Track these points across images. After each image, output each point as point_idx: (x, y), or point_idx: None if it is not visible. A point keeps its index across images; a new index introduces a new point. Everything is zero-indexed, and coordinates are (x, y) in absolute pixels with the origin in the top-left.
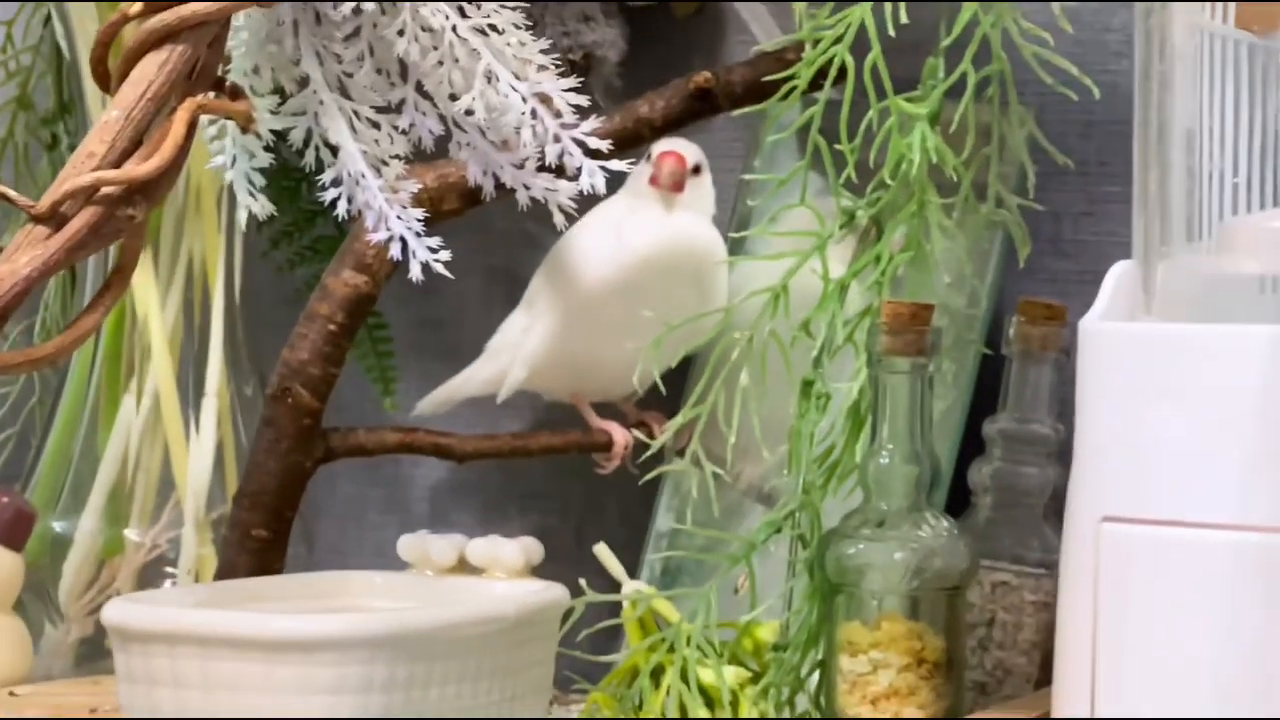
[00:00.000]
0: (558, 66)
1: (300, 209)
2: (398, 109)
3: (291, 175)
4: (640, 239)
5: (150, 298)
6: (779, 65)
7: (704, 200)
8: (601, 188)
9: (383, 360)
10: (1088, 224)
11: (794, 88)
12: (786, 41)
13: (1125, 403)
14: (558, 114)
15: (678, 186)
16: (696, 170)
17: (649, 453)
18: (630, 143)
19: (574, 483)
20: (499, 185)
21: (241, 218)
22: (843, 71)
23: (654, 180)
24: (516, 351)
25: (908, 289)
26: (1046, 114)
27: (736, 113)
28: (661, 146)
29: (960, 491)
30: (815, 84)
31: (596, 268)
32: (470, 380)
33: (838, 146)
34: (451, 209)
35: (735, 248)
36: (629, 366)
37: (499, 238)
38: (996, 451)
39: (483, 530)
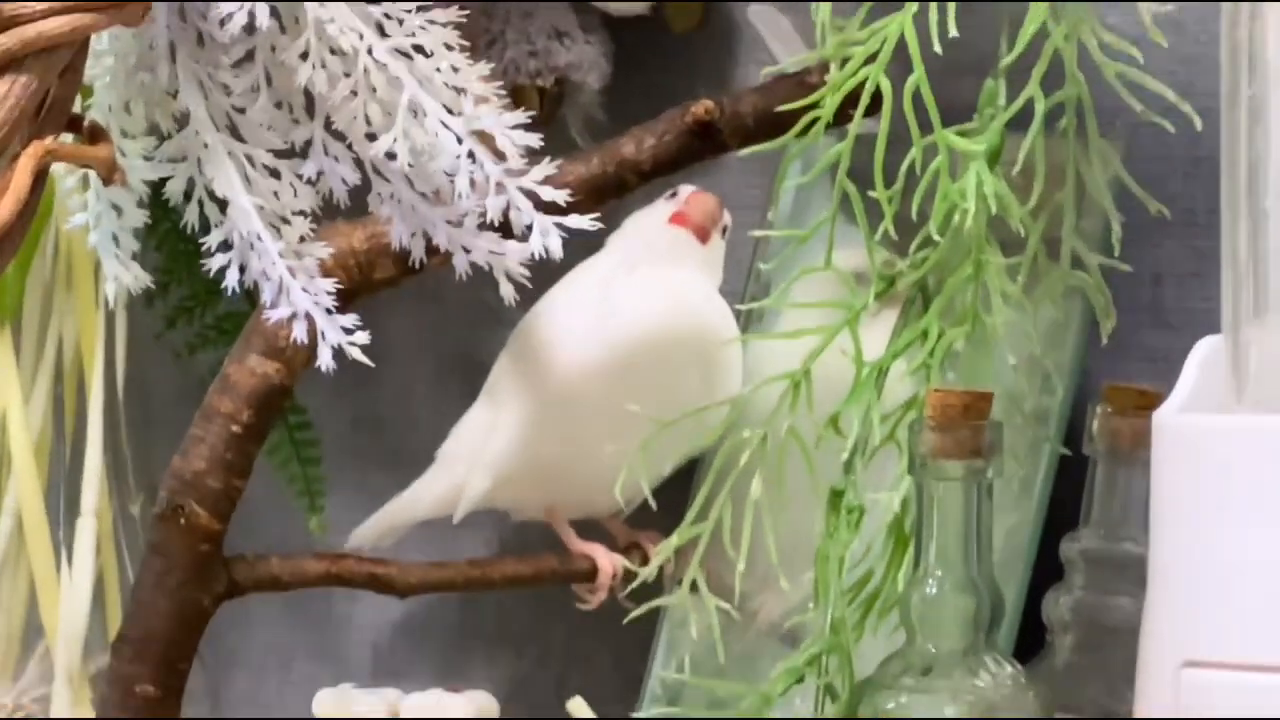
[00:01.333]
0: (502, 97)
1: (202, 279)
2: (303, 153)
3: (192, 237)
4: (634, 307)
5: (10, 392)
6: (799, 91)
7: (715, 269)
8: (557, 250)
9: (307, 469)
10: (1195, 288)
11: (817, 119)
12: (808, 60)
13: (1210, 516)
14: (501, 157)
15: (705, 231)
16: (723, 231)
17: (638, 581)
18: (611, 191)
19: (554, 622)
20: (432, 248)
21: (110, 292)
22: (877, 98)
23: (680, 218)
24: (476, 457)
25: (962, 373)
26: (1138, 150)
27: (746, 152)
28: (691, 188)
29: (1032, 629)
30: (844, 114)
31: (576, 346)
32: (419, 499)
33: (872, 194)
34: (385, 277)
35: (747, 323)
36: (616, 475)
37: (453, 312)
38: (1078, 578)
39: (439, 683)
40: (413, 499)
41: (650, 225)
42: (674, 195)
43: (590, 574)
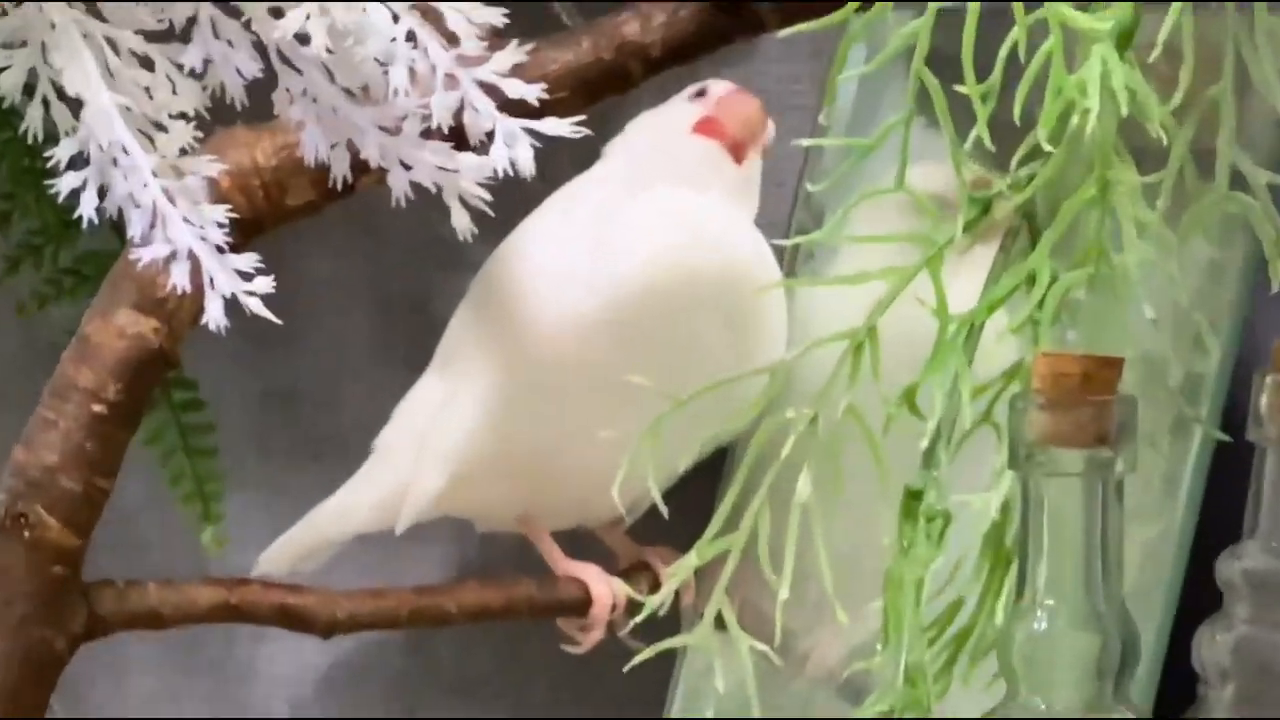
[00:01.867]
0: None
1: (53, 207)
2: (184, 36)
3: (40, 150)
4: (642, 243)
5: None
6: None
7: (750, 197)
8: (528, 165)
9: (198, 464)
10: None
11: None
12: None
13: None
14: (452, 39)
15: (742, 147)
16: (762, 148)
17: (645, 613)
18: (607, 85)
19: (533, 670)
20: (361, 163)
21: None
22: None
23: (709, 126)
24: (427, 447)
25: (1083, 332)
26: None
27: (788, 31)
28: (725, 85)
29: (1179, 677)
30: None
31: (561, 296)
32: (351, 506)
33: (960, 88)
34: (300, 202)
35: (792, 265)
36: (614, 470)
37: (394, 250)
38: (1241, 608)
39: None
40: (341, 507)
41: (667, 132)
42: (701, 94)
43: (582, 604)
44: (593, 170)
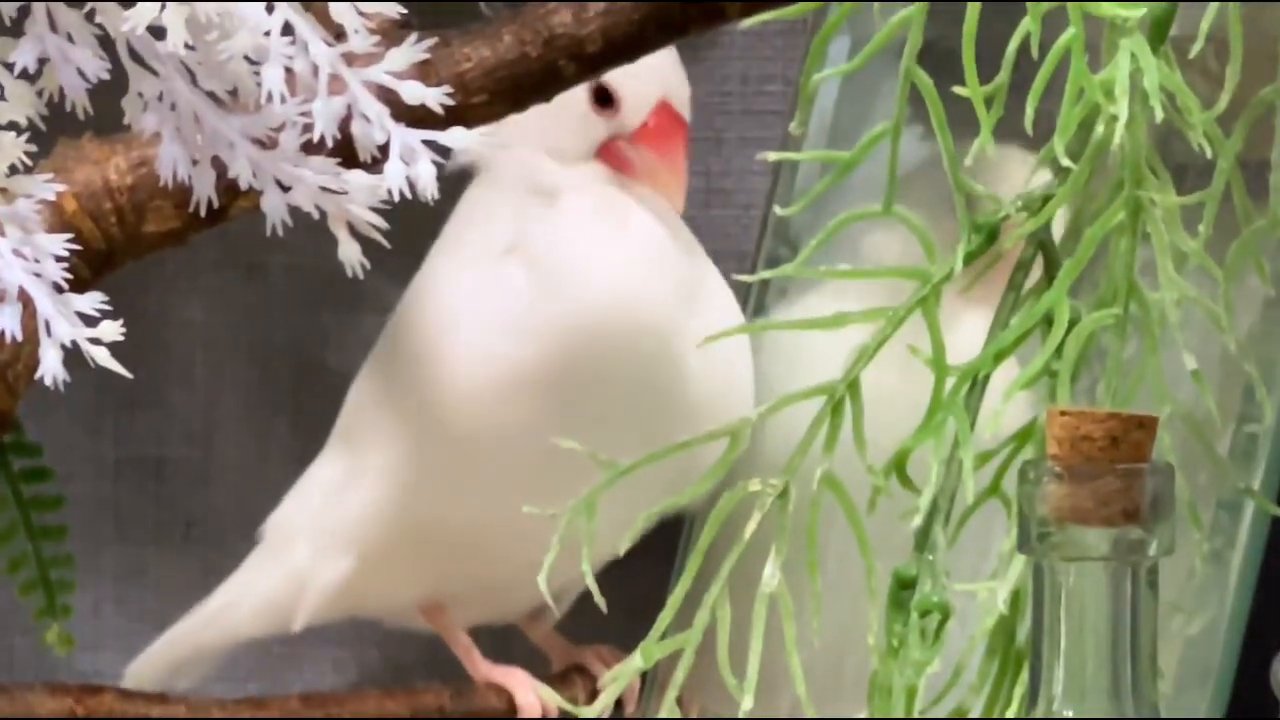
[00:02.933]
0: None
1: None
2: (14, 28)
3: None
4: (593, 274)
5: None
6: None
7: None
8: (430, 186)
9: (41, 547)
10: None
11: None
12: None
13: None
14: (338, 35)
15: (676, 158)
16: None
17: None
18: (535, 88)
19: None
20: (230, 184)
21: None
22: None
23: (645, 136)
24: (326, 531)
25: (1111, 383)
26: None
27: (751, 21)
28: (652, 86)
29: None
30: None
31: (486, 353)
32: (234, 606)
33: (959, 90)
34: (163, 230)
35: (758, 304)
36: (540, 552)
37: (280, 289)
38: None
39: None
40: (224, 606)
41: (577, 147)
42: (607, 100)
43: (504, 716)
44: (479, 184)
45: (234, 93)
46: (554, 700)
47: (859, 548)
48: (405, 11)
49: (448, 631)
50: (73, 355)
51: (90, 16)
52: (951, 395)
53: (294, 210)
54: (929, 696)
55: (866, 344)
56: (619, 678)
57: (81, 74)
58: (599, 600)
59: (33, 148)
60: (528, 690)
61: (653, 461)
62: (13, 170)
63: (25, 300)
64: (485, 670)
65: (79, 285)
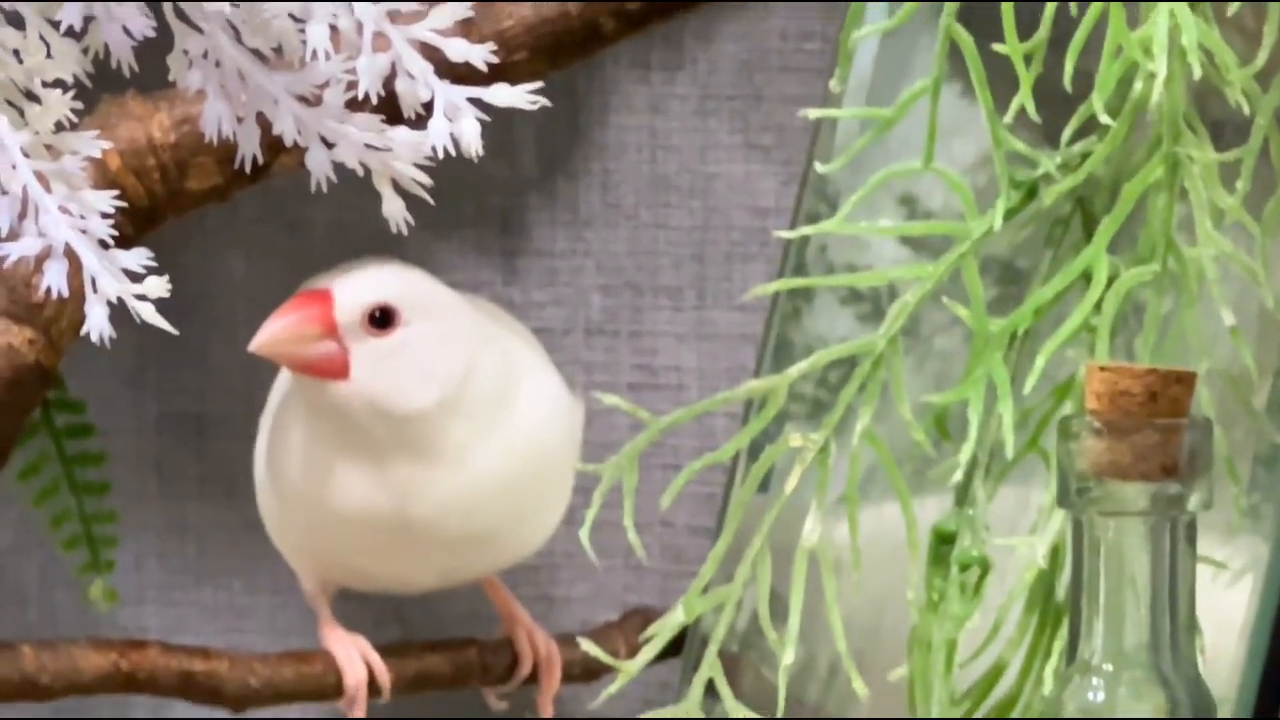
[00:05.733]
0: None
1: None
2: None
3: None
4: (304, 479)
5: None
6: None
7: (429, 383)
8: (474, 142)
9: (85, 503)
10: None
11: None
12: None
13: None
14: None
15: (319, 366)
16: (383, 320)
17: (518, 682)
18: (576, 46)
19: None
20: (275, 140)
21: None
22: None
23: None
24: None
25: (1149, 340)
26: None
27: None
28: (309, 284)
29: None
30: None
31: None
32: None
33: (999, 48)
34: (206, 186)
35: (800, 254)
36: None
37: (322, 246)
38: None
39: None
40: None
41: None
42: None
43: (332, 687)
44: None
45: (278, 50)
46: (382, 672)
47: (900, 501)
48: None
49: (313, 600)
50: (117, 311)
51: None
52: (992, 353)
53: (338, 167)
54: (968, 651)
55: (906, 300)
56: (659, 633)
57: (127, 32)
58: (638, 550)
59: (78, 105)
60: (354, 659)
61: (683, 420)
62: (59, 127)
63: (71, 256)
64: (326, 634)
65: (123, 242)
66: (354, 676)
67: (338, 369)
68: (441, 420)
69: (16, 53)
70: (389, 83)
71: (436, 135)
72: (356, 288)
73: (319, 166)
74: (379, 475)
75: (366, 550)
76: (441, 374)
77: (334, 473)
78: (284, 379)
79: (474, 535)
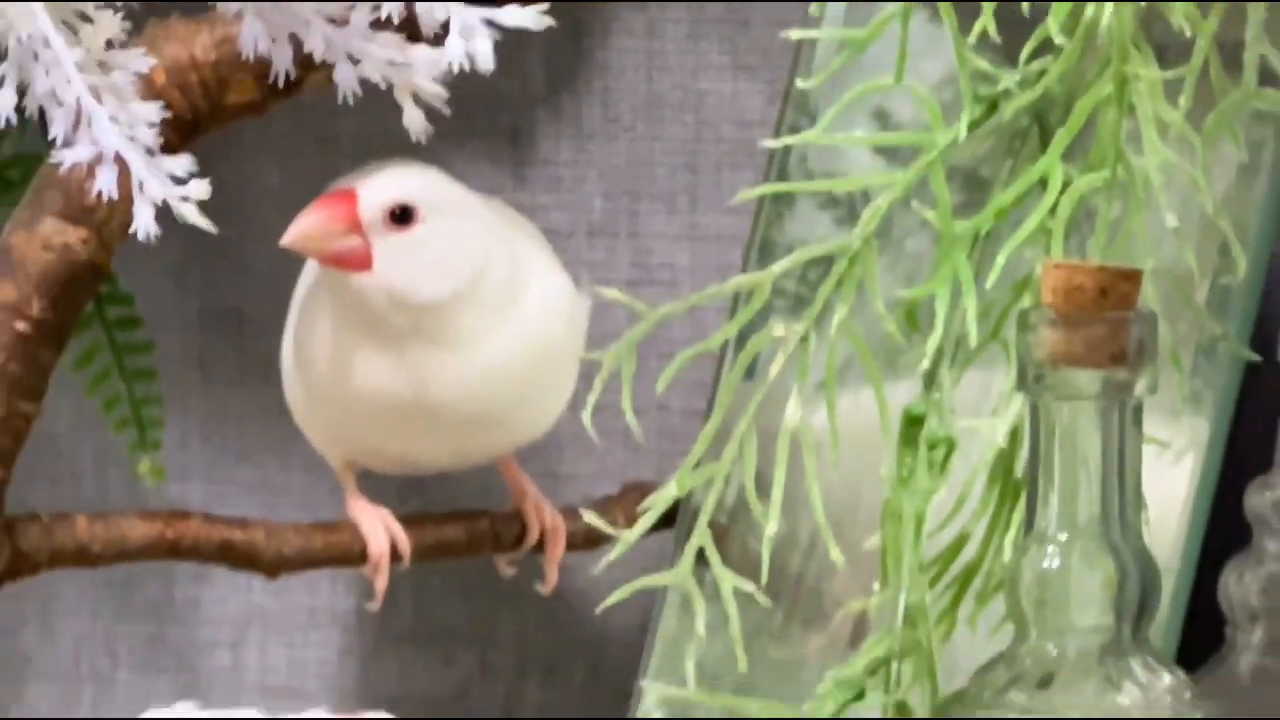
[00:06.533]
0: None
1: None
2: None
3: None
4: (328, 364)
5: None
6: None
7: (445, 275)
8: (487, 60)
9: (134, 387)
10: None
11: None
12: None
13: None
14: None
15: (344, 259)
16: (403, 217)
17: (524, 551)
18: None
19: (500, 615)
20: (306, 57)
21: None
22: None
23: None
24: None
25: (1100, 241)
26: None
27: None
28: (336, 183)
29: (1205, 617)
30: None
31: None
32: None
33: None
34: (244, 100)
35: (782, 166)
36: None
37: (350, 153)
38: (1272, 544)
39: (341, 702)
40: None
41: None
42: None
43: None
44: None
45: None
46: (404, 541)
47: (875, 390)
48: None
49: (340, 476)
50: (162, 212)
51: None
52: (957, 252)
53: (363, 82)
54: (935, 522)
55: (879, 204)
56: (654, 506)
57: None
58: (635, 430)
59: (127, 25)
60: (378, 529)
61: (676, 312)
62: (109, 45)
63: (120, 163)
64: (353, 506)
65: (167, 150)
66: (377, 545)
67: (361, 261)
68: (456, 310)
69: None
70: (410, 5)
71: (453, 53)
72: (379, 187)
73: (346, 81)
74: (398, 361)
75: (386, 432)
76: (456, 268)
77: (356, 359)
78: (309, 274)
79: (486, 417)
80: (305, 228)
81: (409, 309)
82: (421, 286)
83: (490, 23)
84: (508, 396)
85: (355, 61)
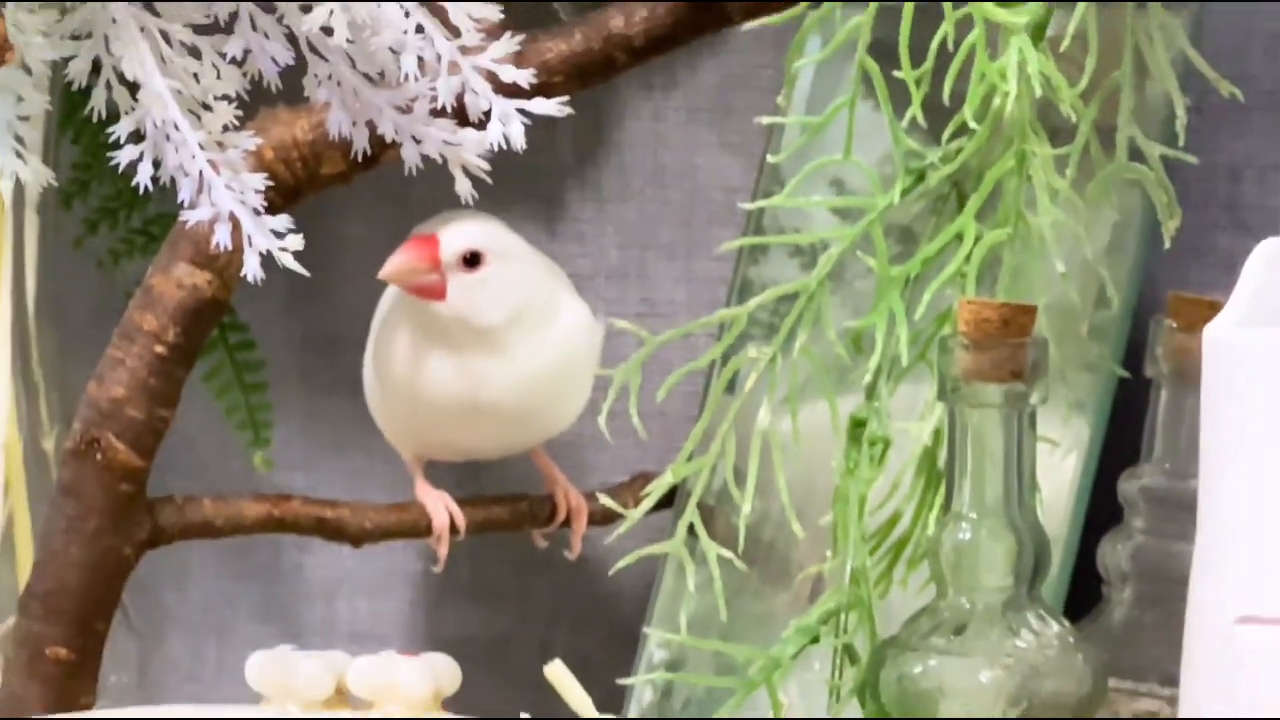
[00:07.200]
0: None
1: (127, 177)
2: (227, 28)
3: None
4: (402, 371)
5: None
6: None
7: (499, 307)
8: (519, 140)
9: (249, 396)
10: (1279, 183)
11: None
12: None
13: (1269, 447)
14: (455, 32)
15: (425, 290)
16: (473, 261)
17: (556, 526)
18: (597, 71)
19: (536, 575)
20: (380, 138)
21: (6, 189)
22: None
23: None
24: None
25: (1004, 282)
26: (1212, 22)
27: (752, 24)
28: (420, 228)
29: (1087, 579)
30: None
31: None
32: None
33: (898, 74)
34: (334, 171)
35: (757, 224)
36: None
37: (418, 213)
38: (1138, 521)
39: (409, 645)
40: None
41: None
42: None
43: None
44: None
45: (382, 74)
46: (460, 518)
47: (827, 399)
48: (504, 15)
49: (411, 466)
50: (267, 260)
51: (280, 19)
52: (892, 291)
53: (425, 158)
54: (875, 502)
55: (832, 253)
56: (655, 490)
57: (274, 61)
58: (640, 431)
59: (240, 113)
60: (438, 511)
61: (673, 338)
62: (225, 129)
63: (233, 221)
64: (420, 490)
65: (272, 210)
66: (440, 520)
67: (438, 293)
68: (505, 331)
69: (195, 75)
70: (460, 97)
71: (493, 135)
72: (456, 235)
73: (411, 156)
74: (458, 369)
75: (447, 425)
76: (509, 301)
77: (424, 368)
78: (385, 304)
79: (523, 413)
80: (397, 265)
81: (471, 330)
82: (482, 314)
83: (523, 111)
84: (540, 397)
85: (418, 141)
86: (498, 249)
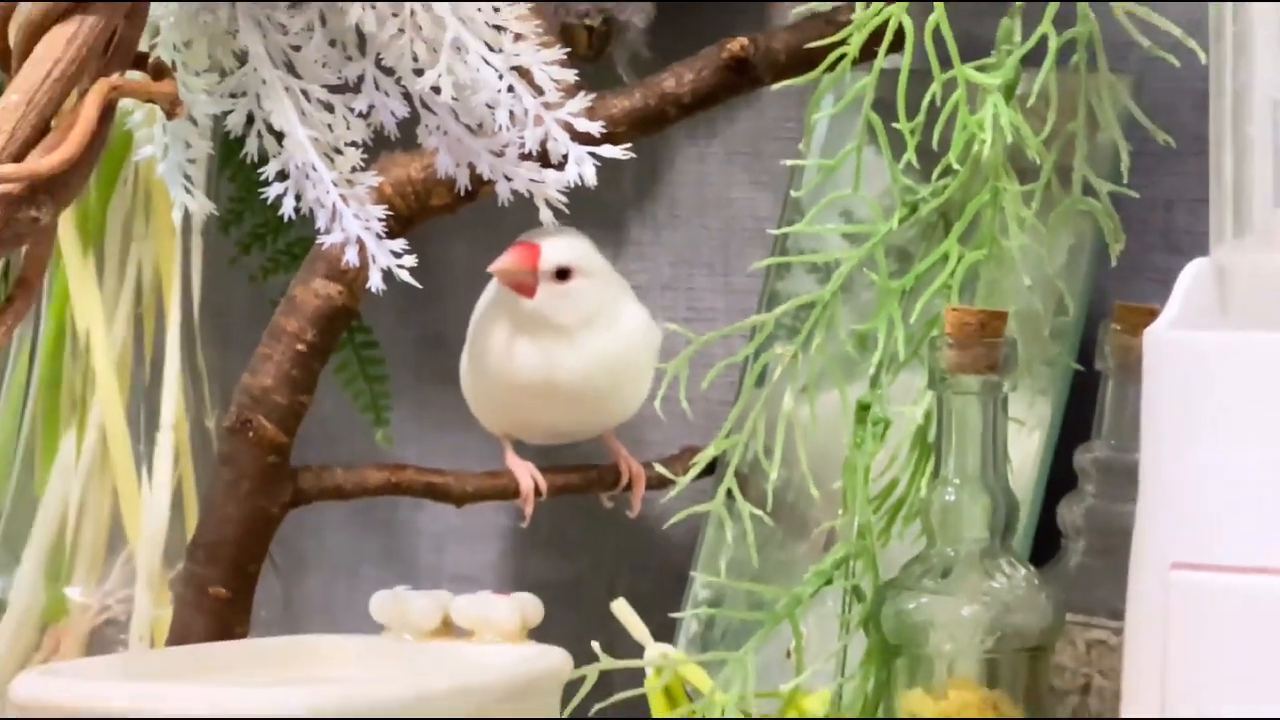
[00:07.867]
0: (541, 35)
1: (273, 208)
2: (355, 88)
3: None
4: (494, 359)
5: (93, 313)
6: (828, 29)
7: (577, 312)
8: (591, 178)
9: (372, 385)
10: (1204, 213)
11: (844, 55)
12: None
13: (1198, 427)
14: (540, 91)
15: (520, 287)
16: (563, 275)
17: (619, 490)
18: (653, 123)
19: (604, 528)
20: (478, 177)
21: (176, 218)
22: (900, 36)
23: (500, 271)
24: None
25: (981, 293)
26: (1153, 81)
27: (778, 86)
28: (527, 235)
29: (1049, 534)
30: (869, 50)
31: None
32: None
33: (896, 125)
34: (441, 203)
35: (782, 248)
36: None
37: (508, 237)
38: (1090, 486)
39: (501, 586)
40: None
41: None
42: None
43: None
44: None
45: (480, 125)
46: (541, 481)
47: (838, 387)
48: (578, 77)
49: (501, 441)
50: (387, 275)
51: (398, 81)
52: (891, 300)
53: (515, 193)
54: (878, 471)
55: (843, 270)
56: (700, 461)
57: (393, 114)
58: (688, 413)
59: (365, 156)
60: (523, 477)
61: (714, 339)
62: (354, 169)
63: (360, 244)
64: (508, 461)
65: (391, 235)
66: (526, 485)
67: (529, 291)
68: (578, 329)
69: (330, 126)
70: (543, 144)
71: (569, 175)
72: (554, 249)
73: (503, 192)
74: (541, 357)
75: (529, 404)
76: (585, 309)
77: (513, 354)
78: (480, 306)
79: (592, 394)
80: (504, 262)
81: (550, 326)
82: (561, 316)
83: (593, 155)
84: (605, 381)
85: (509, 179)
86: (584, 267)
